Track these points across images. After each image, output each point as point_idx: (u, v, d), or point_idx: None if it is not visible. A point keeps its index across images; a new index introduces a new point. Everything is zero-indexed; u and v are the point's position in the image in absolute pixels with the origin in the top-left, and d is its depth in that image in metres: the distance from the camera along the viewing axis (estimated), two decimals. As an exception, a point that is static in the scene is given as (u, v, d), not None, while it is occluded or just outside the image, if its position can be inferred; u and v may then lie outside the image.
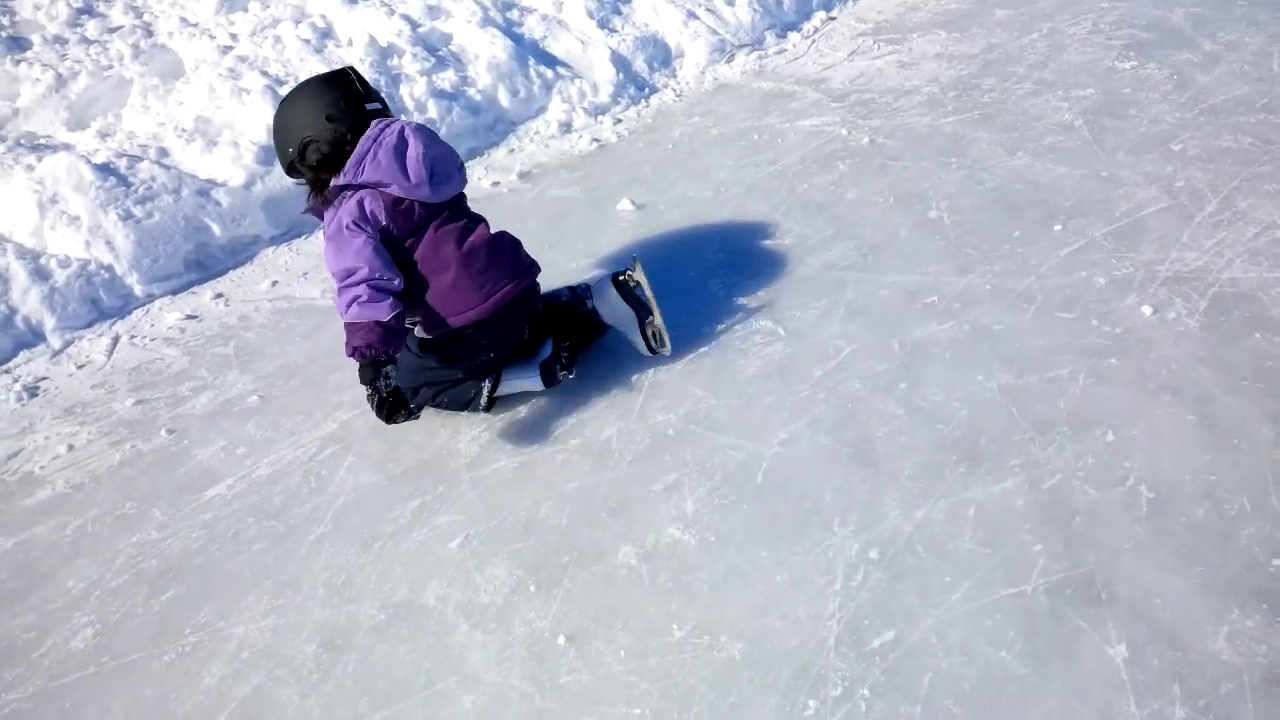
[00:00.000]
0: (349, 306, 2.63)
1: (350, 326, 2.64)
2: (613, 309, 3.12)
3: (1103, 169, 3.92)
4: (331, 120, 2.73)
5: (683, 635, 2.29)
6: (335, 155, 2.73)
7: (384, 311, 2.62)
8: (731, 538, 2.52)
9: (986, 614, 2.24)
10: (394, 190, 2.71)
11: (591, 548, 2.54)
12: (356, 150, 2.72)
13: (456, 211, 2.86)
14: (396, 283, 2.67)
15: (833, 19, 5.74)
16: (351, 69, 2.85)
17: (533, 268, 2.96)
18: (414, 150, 2.74)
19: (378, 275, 2.64)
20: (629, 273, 3.15)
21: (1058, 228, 3.57)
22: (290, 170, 2.84)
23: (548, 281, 3.21)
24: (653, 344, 3.12)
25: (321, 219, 2.78)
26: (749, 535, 2.51)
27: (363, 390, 3.01)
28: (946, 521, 2.47)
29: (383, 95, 3.09)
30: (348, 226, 2.67)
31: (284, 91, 4.37)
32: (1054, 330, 3.08)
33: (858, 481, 2.62)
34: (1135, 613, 2.21)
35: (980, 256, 3.46)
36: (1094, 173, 3.89)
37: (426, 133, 2.82)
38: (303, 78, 4.44)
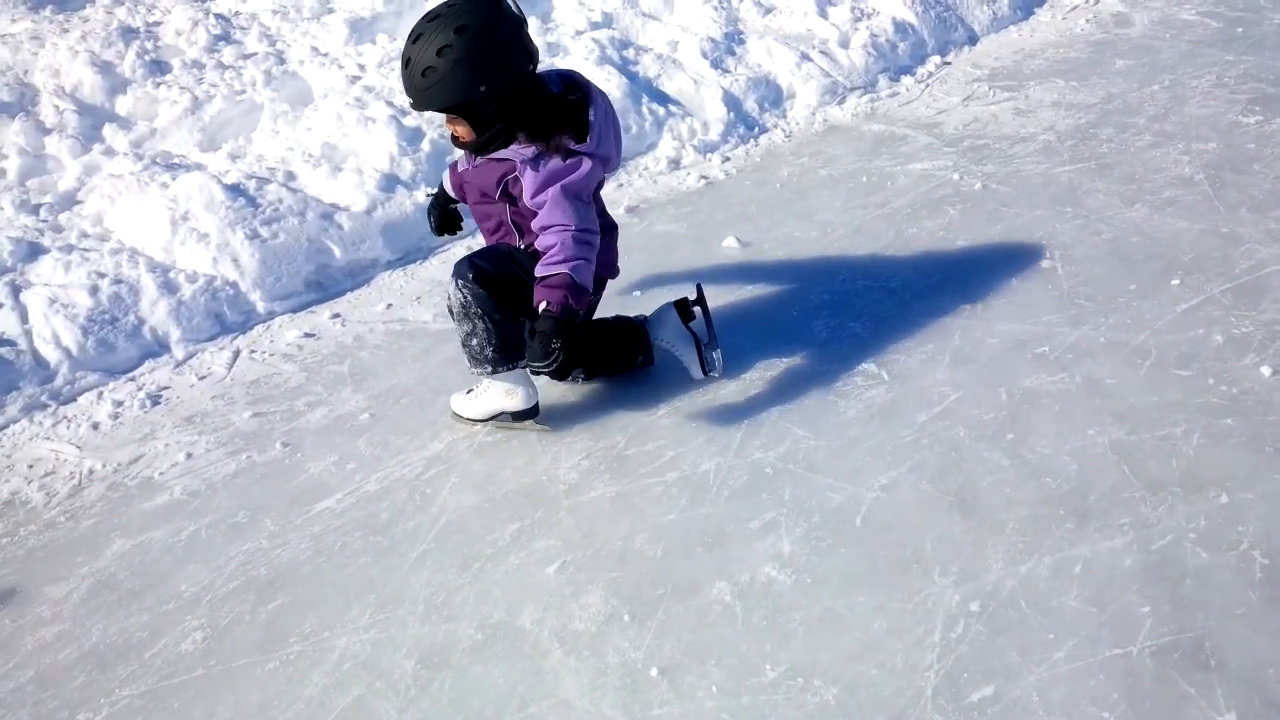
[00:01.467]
0: (576, 263, 2.69)
1: (568, 282, 2.68)
2: (671, 331, 3.18)
3: (1223, 225, 3.81)
4: (530, 58, 2.69)
5: (776, 676, 2.28)
6: (546, 108, 2.74)
7: (590, 284, 2.76)
8: (828, 580, 2.50)
9: (1090, 674, 2.19)
10: (610, 167, 2.92)
11: (686, 581, 2.55)
12: (595, 119, 2.78)
13: None
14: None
15: (948, 64, 5.71)
16: (508, 3, 2.69)
17: None
18: (612, 129, 2.89)
19: (595, 251, 2.79)
20: (692, 300, 3.22)
21: (1175, 282, 3.48)
22: (450, 98, 2.66)
23: (643, 308, 3.31)
24: (706, 366, 3.17)
25: (482, 155, 2.85)
26: (846, 579, 2.50)
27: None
28: (1051, 578, 2.42)
29: None
30: (582, 193, 2.78)
31: (408, 122, 4.51)
32: (1169, 387, 3.00)
33: (960, 531, 2.59)
34: (1246, 681, 2.14)
35: (1094, 308, 3.39)
36: (1214, 228, 3.79)
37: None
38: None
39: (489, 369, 2.95)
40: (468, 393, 3.14)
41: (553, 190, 2.74)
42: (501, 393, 3.04)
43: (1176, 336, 3.21)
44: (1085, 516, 2.59)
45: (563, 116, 2.76)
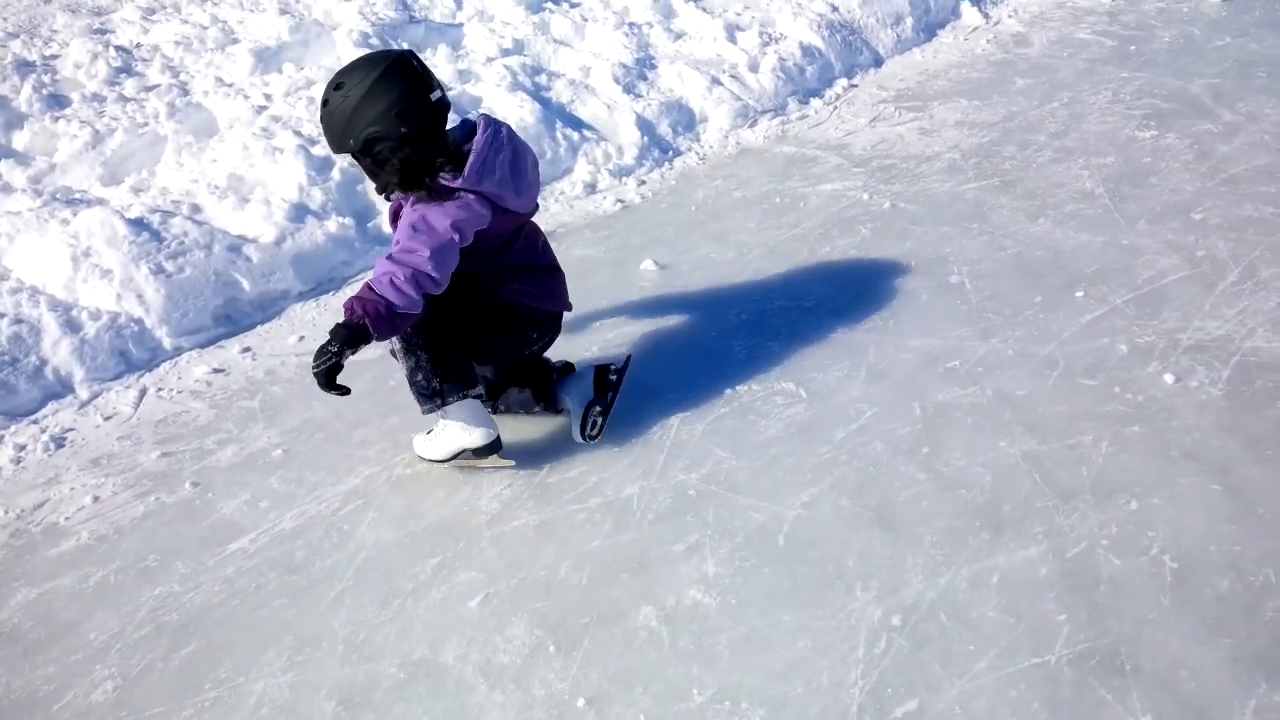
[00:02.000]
0: (385, 278, 2.60)
1: (368, 294, 2.59)
2: (577, 394, 3.14)
3: (1124, 237, 3.94)
4: (402, 118, 2.65)
5: (703, 700, 2.27)
6: (416, 157, 2.69)
7: (404, 304, 2.60)
8: (752, 601, 2.51)
9: (1011, 684, 2.22)
10: (506, 202, 2.79)
11: (612, 608, 2.53)
12: (476, 155, 2.71)
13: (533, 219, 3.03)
14: (437, 290, 2.67)
15: (854, 86, 5.82)
16: (410, 53, 2.76)
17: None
18: (525, 165, 2.85)
19: (429, 273, 2.63)
20: (615, 368, 3.19)
21: (1079, 294, 3.58)
22: (349, 153, 2.75)
23: (568, 339, 3.33)
24: (587, 429, 3.08)
25: (387, 197, 2.84)
26: (770, 599, 2.51)
27: (383, 444, 3.15)
28: (970, 589, 2.46)
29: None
30: (448, 229, 2.67)
31: (317, 151, 4.45)
32: (1076, 397, 3.08)
33: (880, 546, 2.61)
34: (1161, 685, 2.19)
35: (1002, 322, 3.47)
36: (1115, 240, 3.92)
37: (523, 141, 2.90)
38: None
39: (439, 402, 2.86)
40: (428, 433, 3.05)
41: (407, 213, 2.74)
42: (459, 430, 2.94)
43: (1082, 347, 3.30)
44: (1000, 527, 2.63)
45: (432, 164, 2.71)
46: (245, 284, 3.94)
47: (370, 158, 2.72)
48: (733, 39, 5.83)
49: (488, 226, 2.77)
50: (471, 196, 2.73)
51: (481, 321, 2.94)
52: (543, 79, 5.33)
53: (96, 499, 3.07)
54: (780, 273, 3.95)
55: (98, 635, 2.60)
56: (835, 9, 6.25)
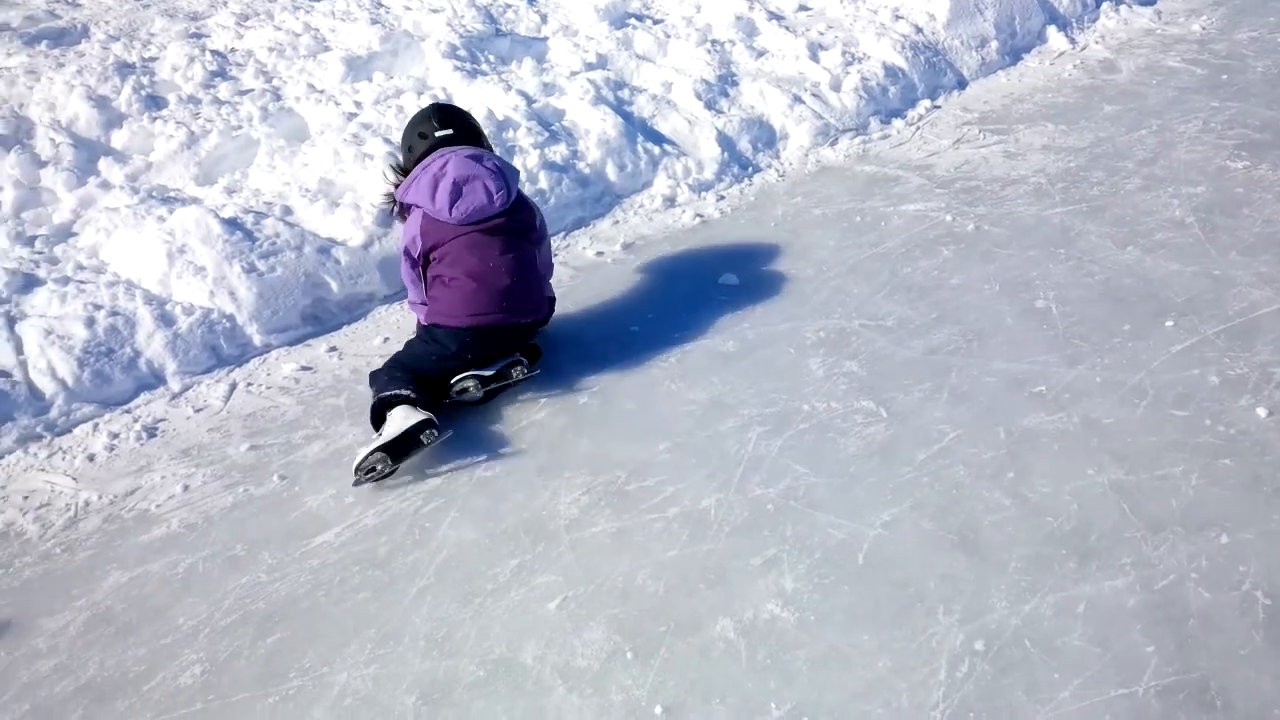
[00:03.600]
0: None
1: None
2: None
3: (1215, 267, 3.86)
4: (410, 150, 3.57)
5: (780, 715, 2.27)
6: (404, 173, 3.57)
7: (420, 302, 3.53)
8: (831, 618, 2.50)
9: (1096, 714, 2.19)
10: (428, 211, 3.38)
11: (689, 618, 2.54)
12: (411, 174, 3.47)
13: (496, 231, 3.40)
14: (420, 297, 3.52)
15: (938, 107, 5.79)
16: (437, 105, 3.72)
17: (534, 310, 3.52)
18: (446, 180, 3.36)
19: (417, 290, 3.52)
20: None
21: (1169, 324, 3.52)
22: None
23: (641, 349, 3.47)
24: (500, 374, 3.40)
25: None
26: (850, 617, 2.49)
27: (465, 444, 3.27)
28: (1055, 617, 2.43)
29: (471, 123, 3.68)
30: (405, 245, 3.47)
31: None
32: (1166, 427, 3.03)
33: (963, 570, 2.59)
34: (1254, 723, 2.14)
35: (1090, 349, 3.42)
36: (1206, 270, 3.84)
37: (469, 162, 3.42)
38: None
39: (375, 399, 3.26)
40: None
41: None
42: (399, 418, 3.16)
43: (1172, 377, 3.25)
44: (1087, 556, 2.60)
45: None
46: (333, 285, 4.02)
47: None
48: (815, 58, 5.83)
49: (426, 234, 3.39)
50: (416, 211, 3.43)
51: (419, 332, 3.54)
52: (625, 94, 5.37)
53: (186, 488, 3.15)
54: (860, 291, 3.93)
55: (186, 620, 2.66)
56: (919, 30, 6.23)
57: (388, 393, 3.21)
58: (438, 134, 3.51)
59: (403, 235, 3.49)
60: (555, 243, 4.47)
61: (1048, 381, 3.28)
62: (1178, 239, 4.10)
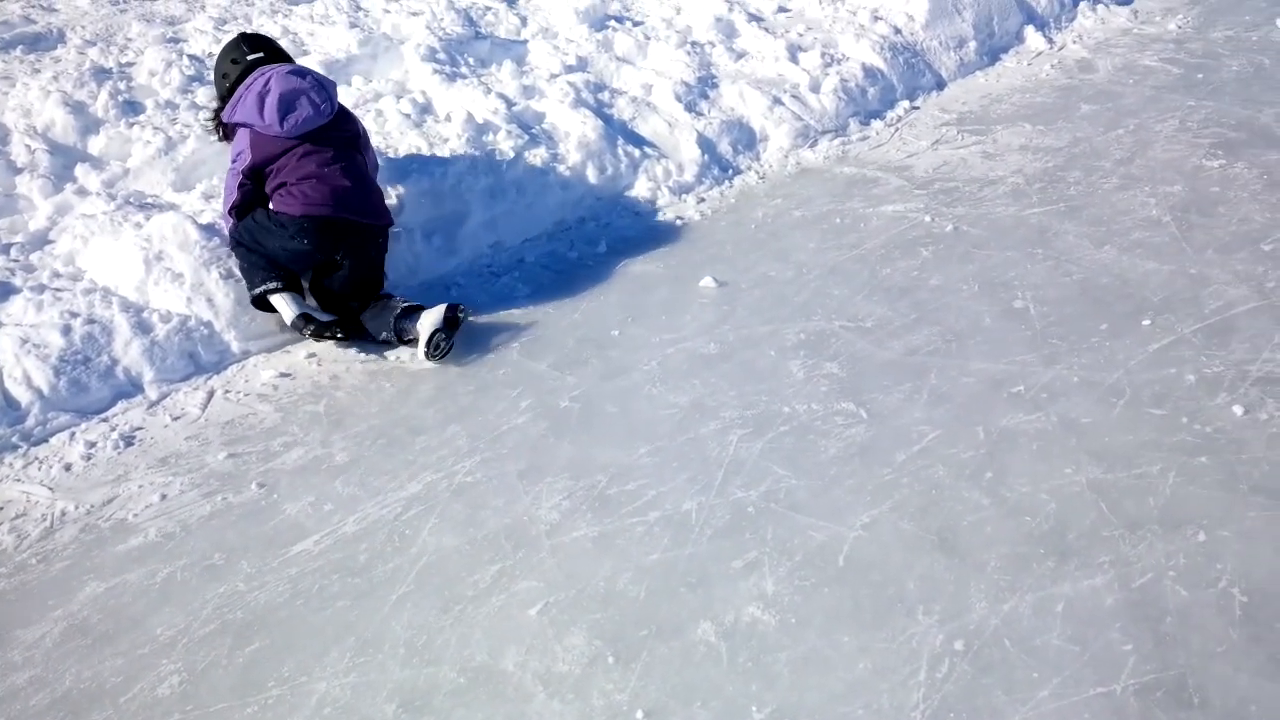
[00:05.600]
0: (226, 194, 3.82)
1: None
2: (428, 320, 3.62)
3: (1191, 266, 3.89)
4: (225, 78, 3.87)
5: (762, 717, 2.27)
6: (224, 100, 3.86)
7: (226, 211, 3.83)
8: (812, 620, 2.50)
9: (1075, 713, 2.20)
10: (256, 127, 3.64)
11: (670, 622, 2.54)
12: (234, 95, 3.72)
13: (325, 141, 3.69)
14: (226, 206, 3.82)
15: (916, 109, 5.81)
16: (242, 33, 4.01)
17: (374, 214, 3.76)
18: (272, 95, 3.61)
19: (231, 199, 3.78)
20: (463, 309, 3.68)
21: (1146, 323, 3.54)
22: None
23: (622, 353, 3.39)
24: (433, 350, 3.59)
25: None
26: (830, 619, 2.50)
27: (444, 450, 3.26)
28: (1034, 616, 2.44)
29: (277, 47, 4.03)
30: (231, 161, 3.76)
31: (386, 162, 4.53)
32: (1143, 426, 3.05)
33: (942, 570, 2.60)
34: (1229, 719, 2.16)
35: (1067, 348, 3.44)
36: (1183, 269, 3.87)
37: (291, 77, 3.68)
38: (404, 150, 4.64)
39: (263, 286, 3.71)
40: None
41: None
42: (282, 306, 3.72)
43: (1149, 376, 3.26)
44: (1065, 555, 2.61)
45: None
46: (312, 291, 4.00)
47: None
48: (794, 59, 5.84)
49: (254, 149, 3.65)
50: (242, 130, 3.69)
51: (259, 230, 3.71)
52: (605, 96, 5.37)
53: (164, 497, 3.13)
54: (840, 293, 3.94)
55: (164, 630, 2.64)
56: (898, 31, 6.25)
57: (266, 286, 3.68)
58: (249, 58, 3.81)
59: (230, 152, 3.80)
60: (533, 245, 4.48)
61: (1026, 381, 3.29)
62: (1154, 238, 4.12)
